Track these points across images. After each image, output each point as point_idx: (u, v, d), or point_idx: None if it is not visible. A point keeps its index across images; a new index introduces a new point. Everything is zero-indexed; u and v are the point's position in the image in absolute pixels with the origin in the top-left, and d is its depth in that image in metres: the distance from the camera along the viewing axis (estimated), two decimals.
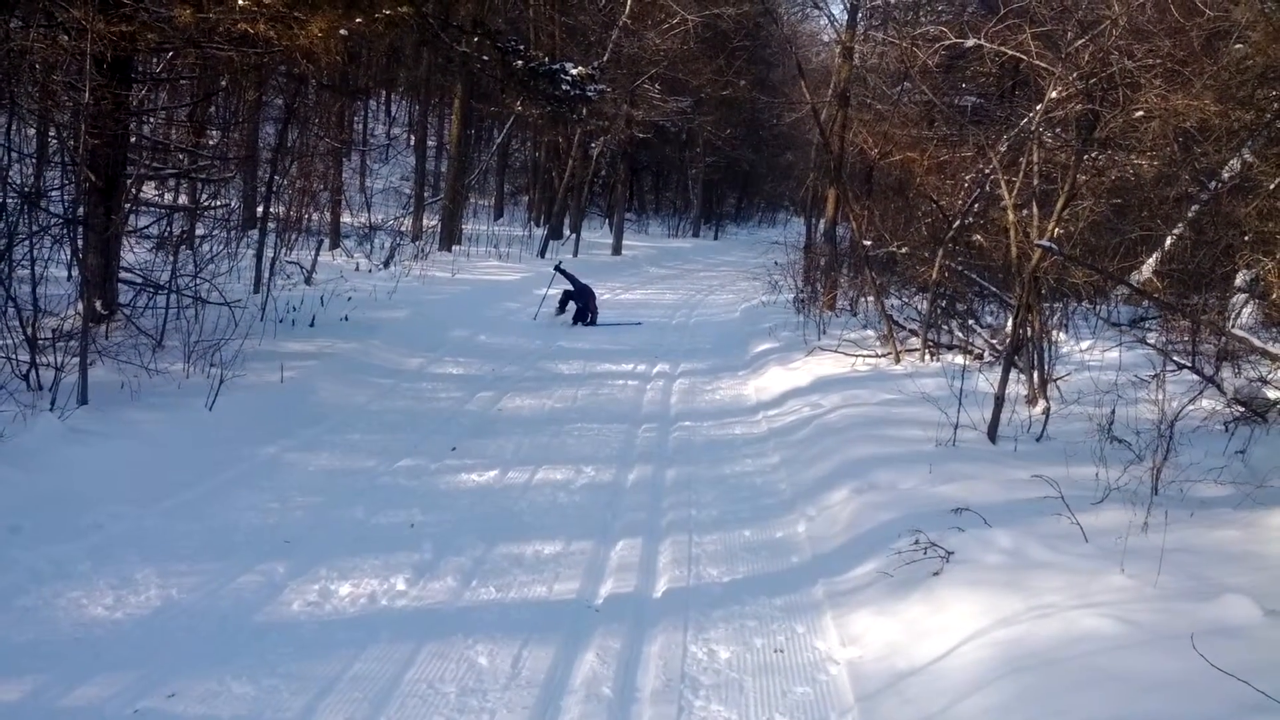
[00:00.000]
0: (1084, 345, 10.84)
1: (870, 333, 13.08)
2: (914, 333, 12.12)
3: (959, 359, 10.71)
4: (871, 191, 20.18)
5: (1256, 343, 8.71)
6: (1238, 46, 11.21)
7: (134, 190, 11.18)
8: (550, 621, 5.02)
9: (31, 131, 12.26)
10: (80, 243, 9.22)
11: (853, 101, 18.60)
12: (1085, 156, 9.08)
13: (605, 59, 24.83)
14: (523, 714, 4.12)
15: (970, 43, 12.43)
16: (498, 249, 24.36)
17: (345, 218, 22.88)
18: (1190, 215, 12.48)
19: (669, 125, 31.66)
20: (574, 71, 16.05)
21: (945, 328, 12.17)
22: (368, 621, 4.91)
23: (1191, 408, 7.29)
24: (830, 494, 6.97)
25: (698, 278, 26.73)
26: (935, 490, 6.46)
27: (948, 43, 13.27)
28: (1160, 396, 6.87)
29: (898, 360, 11.36)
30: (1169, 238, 12.56)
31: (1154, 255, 12.70)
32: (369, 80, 32.78)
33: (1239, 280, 10.94)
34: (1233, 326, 9.69)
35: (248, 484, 6.84)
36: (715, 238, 42.62)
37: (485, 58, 15.78)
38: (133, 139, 10.79)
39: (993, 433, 7.82)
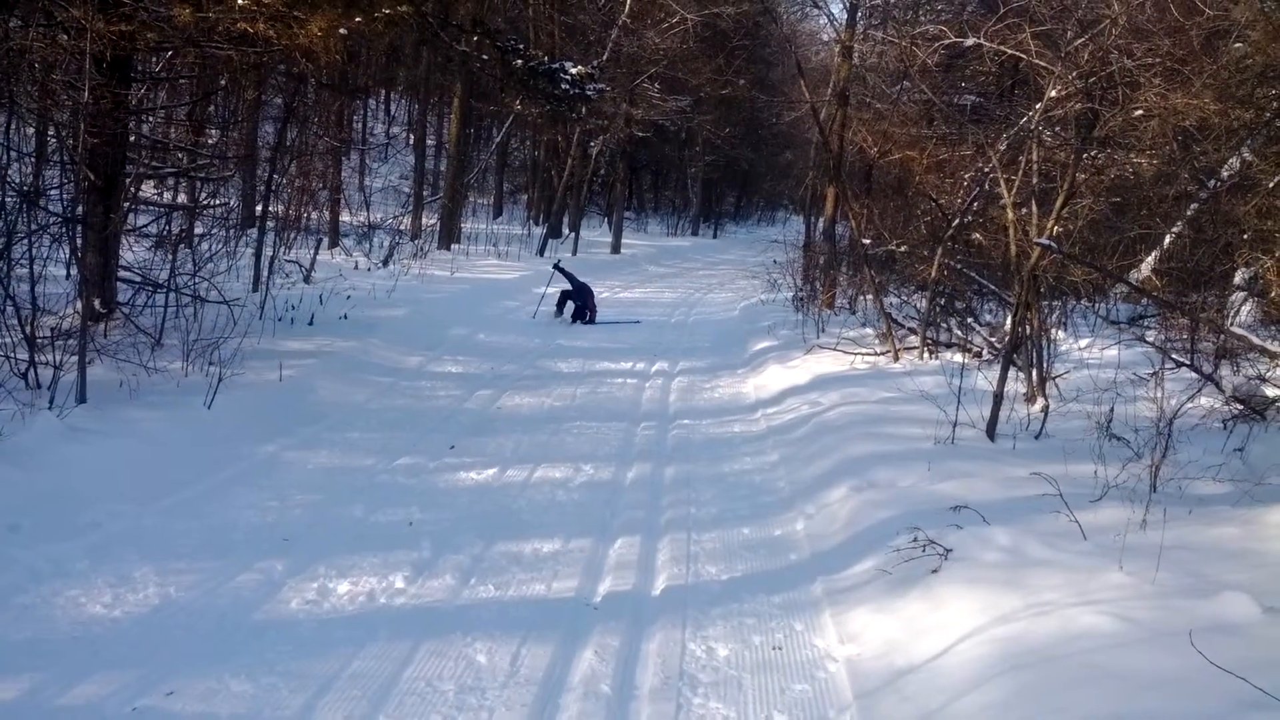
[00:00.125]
0: (1083, 343, 10.85)
1: (869, 331, 13.08)
2: (913, 331, 12.12)
3: (958, 357, 10.71)
4: (871, 190, 20.20)
5: (1255, 340, 8.72)
6: (1237, 45, 11.22)
7: (133, 189, 11.18)
8: (549, 619, 5.02)
9: (30, 130, 12.27)
10: (79, 241, 9.21)
11: (852, 100, 18.59)
12: (1084, 155, 9.08)
13: (605, 58, 24.83)
14: (521, 712, 4.12)
15: (970, 42, 12.43)
16: (497, 247, 24.36)
17: (344, 216, 22.86)
18: (1189, 213, 12.48)
19: (668, 124, 31.64)
20: (573, 70, 16.05)
21: (944, 326, 12.18)
22: (366, 619, 4.91)
23: (1190, 405, 7.30)
24: (829, 492, 6.97)
25: (697, 276, 26.73)
26: (934, 488, 6.46)
27: (947, 42, 13.27)
28: (1159, 394, 6.88)
29: (896, 358, 11.36)
30: (1168, 236, 12.56)
31: (1153, 253, 12.70)
32: (368, 79, 32.76)
33: (1238, 278, 10.95)
34: (1231, 324, 9.69)
35: (246, 482, 6.84)
36: (714, 236, 42.63)
37: (485, 57, 15.79)
38: (132, 138, 10.79)
39: (991, 431, 7.82)
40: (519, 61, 15.47)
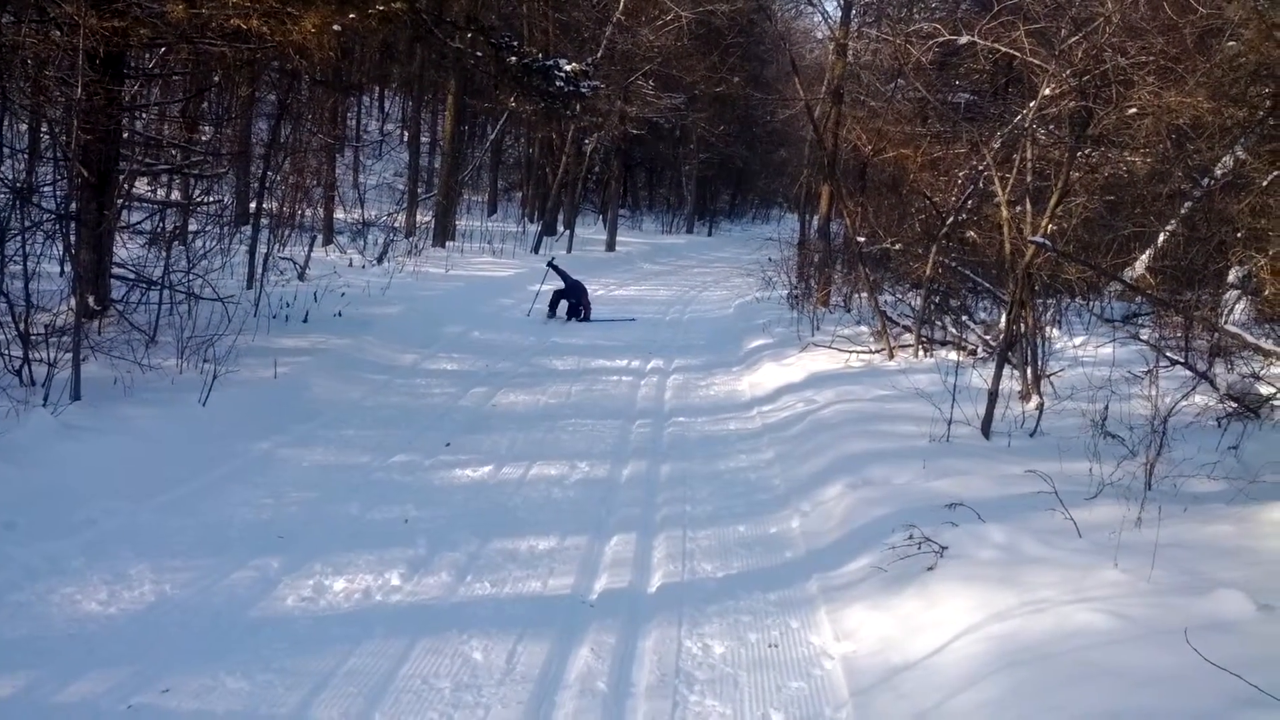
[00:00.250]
0: (1077, 341, 10.86)
1: (864, 329, 13.09)
2: (908, 329, 12.13)
3: (953, 355, 10.72)
4: (865, 188, 20.19)
5: (1249, 338, 8.74)
6: (1230, 44, 11.24)
7: (127, 186, 11.14)
8: (545, 617, 5.02)
9: (24, 127, 12.23)
10: (73, 238, 9.18)
11: (846, 98, 18.57)
12: (1079, 153, 9.09)
13: (599, 55, 24.82)
14: (517, 709, 4.12)
15: (964, 39, 12.43)
16: (491, 245, 24.33)
17: (339, 213, 22.83)
18: (1183, 212, 12.51)
19: (663, 121, 31.61)
20: (568, 68, 16.03)
21: (939, 324, 12.19)
22: (362, 617, 4.90)
23: (1185, 403, 7.31)
24: (824, 489, 6.97)
25: (691, 274, 26.74)
26: (929, 485, 6.47)
27: (941, 40, 13.27)
28: (1153, 392, 6.89)
29: (891, 356, 11.37)
30: (1162, 234, 12.59)
31: (1147, 251, 12.73)
32: (362, 76, 32.73)
33: (1231, 276, 10.97)
34: (1225, 322, 9.71)
35: (241, 480, 6.83)
36: (709, 234, 42.61)
37: (479, 54, 15.75)
38: (125, 134, 10.76)
39: (986, 428, 7.83)
40: (513, 58, 15.45)
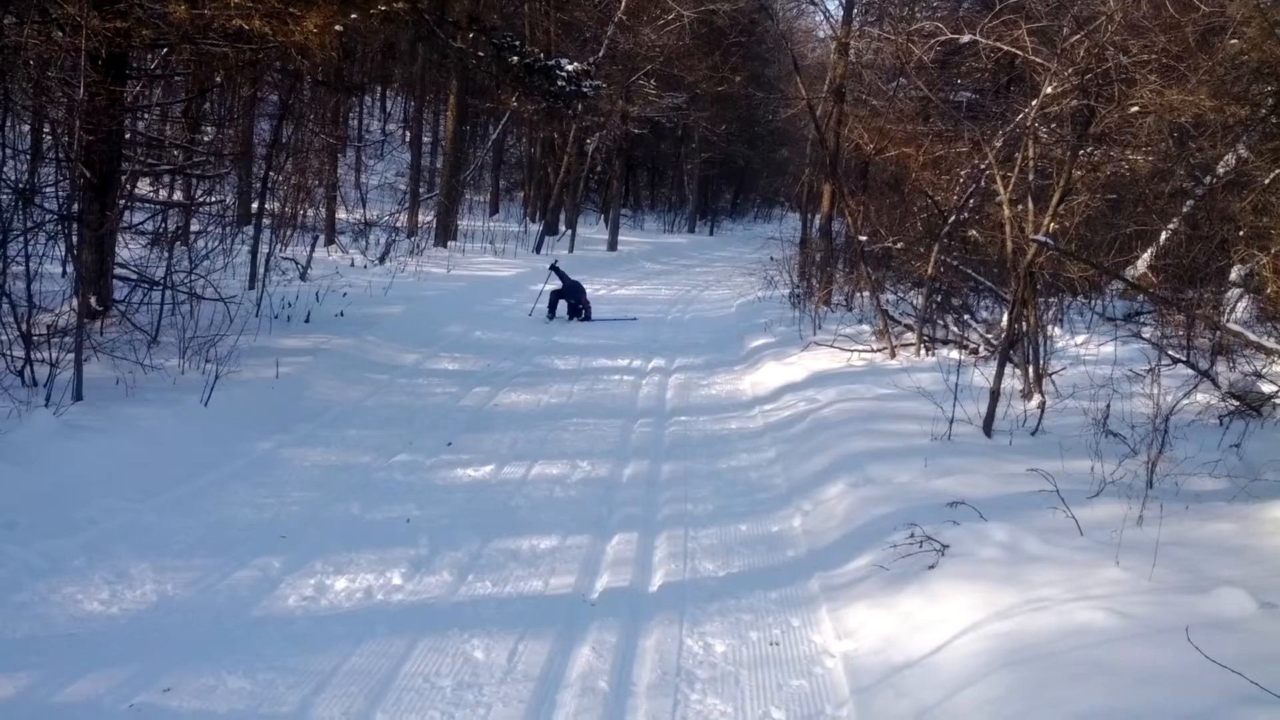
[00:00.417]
0: (1079, 339, 10.86)
1: (866, 328, 13.09)
2: (909, 328, 12.13)
3: (954, 354, 10.72)
4: (867, 187, 20.17)
5: (1251, 337, 8.74)
6: (1233, 42, 11.23)
7: (129, 186, 11.16)
8: (546, 616, 5.02)
9: (26, 128, 12.23)
10: (75, 239, 9.19)
11: (848, 97, 18.58)
12: (1080, 152, 9.08)
13: (601, 55, 24.82)
14: (519, 708, 4.12)
15: (966, 38, 12.43)
16: (493, 245, 24.34)
17: (340, 214, 22.86)
18: (1185, 210, 12.50)
19: (664, 121, 31.62)
20: (569, 67, 16.06)
21: (941, 322, 12.19)
22: (364, 616, 4.91)
23: (1186, 402, 7.30)
24: (826, 488, 6.97)
25: (693, 273, 26.73)
26: (931, 484, 6.47)
27: (943, 38, 13.27)
28: (1155, 391, 6.88)
29: (893, 355, 11.37)
30: (1164, 232, 12.58)
31: (1149, 250, 12.72)
32: (364, 76, 32.75)
33: (1234, 275, 10.97)
34: (1227, 321, 9.71)
35: (243, 479, 6.83)
36: (711, 233, 42.61)
37: (481, 54, 15.78)
38: (127, 135, 10.78)
39: (988, 427, 7.83)
40: (515, 58, 15.48)
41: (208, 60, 11.33)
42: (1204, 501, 5.84)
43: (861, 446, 7.61)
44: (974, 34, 11.93)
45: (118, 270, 10.06)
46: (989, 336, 11.27)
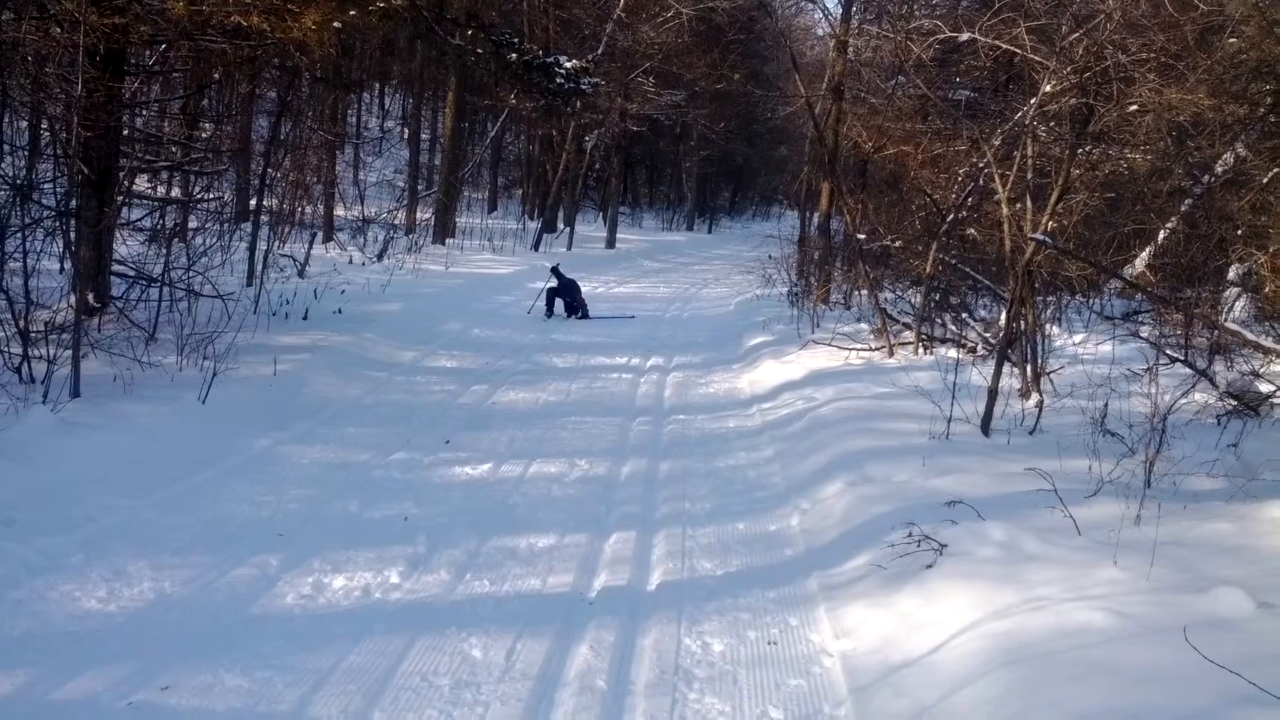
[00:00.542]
0: (1077, 338, 10.87)
1: (864, 326, 13.09)
2: (908, 326, 12.13)
3: (952, 352, 10.72)
4: (866, 185, 20.17)
5: (1249, 336, 8.74)
6: (1231, 41, 11.23)
7: (127, 183, 11.14)
8: (544, 614, 5.02)
9: (24, 124, 12.23)
10: (73, 235, 9.18)
11: (847, 95, 18.57)
12: (1079, 150, 9.08)
13: (600, 52, 24.81)
14: (517, 706, 4.12)
15: (964, 37, 12.42)
16: (491, 242, 24.33)
17: (339, 211, 22.84)
18: (1183, 209, 12.50)
19: (663, 119, 31.60)
20: (568, 65, 16.04)
21: (939, 321, 12.19)
22: (362, 614, 4.90)
23: (1184, 401, 7.30)
24: (824, 487, 6.97)
25: (691, 271, 26.73)
26: (929, 483, 6.47)
27: (942, 36, 13.26)
28: (1153, 390, 6.88)
29: (891, 354, 11.37)
30: (1162, 231, 12.58)
31: (1147, 249, 12.73)
32: (363, 73, 32.72)
33: (1232, 274, 10.98)
34: (1225, 320, 9.72)
35: (241, 477, 6.83)
36: (709, 231, 42.59)
37: (479, 51, 15.76)
38: (125, 132, 10.76)
39: (986, 426, 7.83)
40: (514, 55, 15.46)
41: (206, 57, 11.32)
42: (1202, 501, 5.84)
43: (859, 445, 7.61)
44: (973, 32, 11.93)
45: (116, 267, 10.05)
46: (987, 335, 11.27)
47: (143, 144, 12.11)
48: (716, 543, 6.19)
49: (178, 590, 5.01)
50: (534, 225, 28.26)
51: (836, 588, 5.40)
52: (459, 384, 10.39)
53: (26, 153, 10.45)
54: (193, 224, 12.70)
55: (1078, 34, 9.36)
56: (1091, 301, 12.99)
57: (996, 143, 11.05)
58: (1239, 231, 10.57)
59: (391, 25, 14.86)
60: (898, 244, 14.17)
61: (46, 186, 9.41)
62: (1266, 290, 9.72)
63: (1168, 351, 9.01)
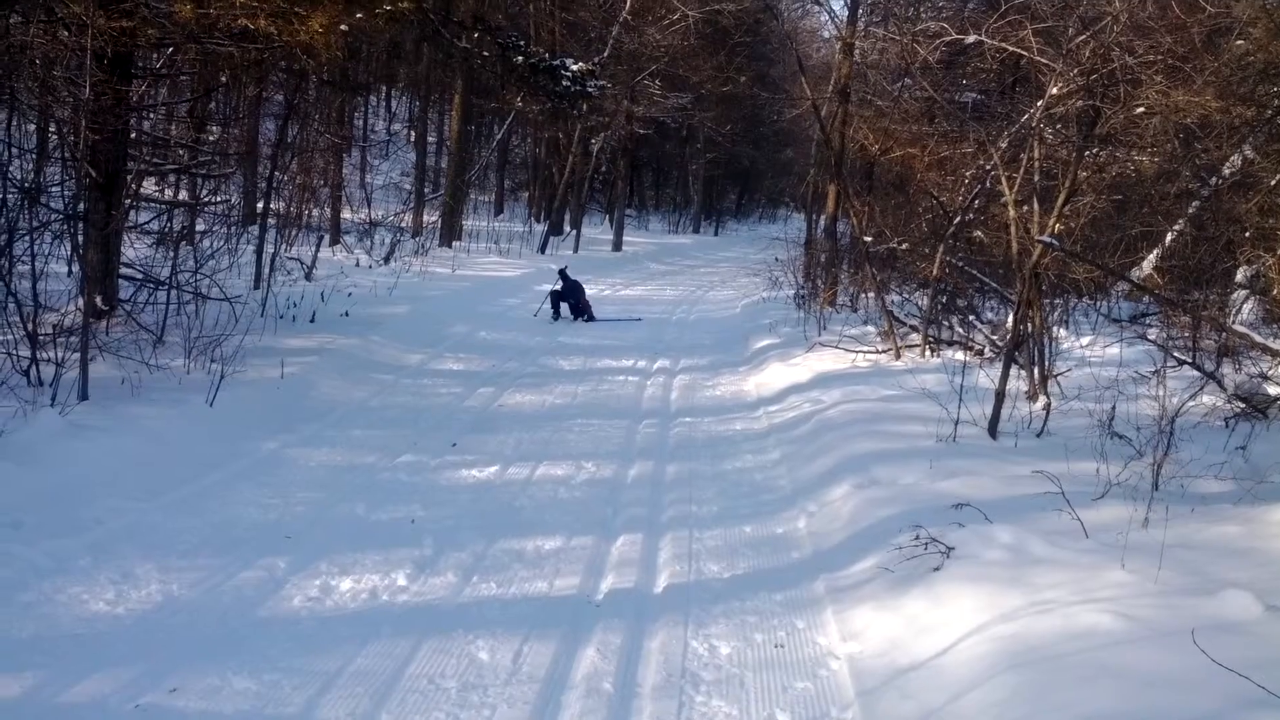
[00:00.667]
0: (1084, 341, 10.84)
1: (871, 329, 13.08)
2: (914, 328, 12.12)
3: (960, 355, 10.70)
4: (872, 187, 20.16)
5: (1257, 339, 8.72)
6: (1239, 43, 11.21)
7: (134, 186, 11.18)
8: (551, 617, 5.02)
9: (32, 127, 12.25)
10: (81, 238, 9.22)
11: (853, 97, 18.58)
12: (1086, 152, 9.07)
13: (606, 55, 24.81)
14: (524, 709, 4.12)
15: (971, 39, 12.42)
16: (498, 245, 24.35)
17: (345, 214, 22.87)
18: (1191, 211, 12.47)
19: (669, 121, 31.62)
20: (574, 67, 16.05)
21: (946, 323, 12.17)
22: (369, 617, 4.91)
23: (1192, 403, 7.29)
24: (831, 490, 6.97)
25: (698, 274, 26.72)
26: (936, 486, 6.46)
27: (949, 39, 13.26)
28: (1161, 392, 6.88)
29: (898, 356, 11.36)
30: (1170, 234, 12.55)
31: (1155, 251, 12.70)
32: (369, 76, 32.78)
33: (1240, 276, 10.94)
34: (1233, 322, 9.69)
35: (249, 479, 6.84)
36: (715, 234, 42.59)
37: (486, 53, 15.79)
38: (133, 134, 10.80)
39: (993, 428, 7.82)
40: (520, 58, 15.48)
41: (213, 60, 11.35)
42: (1209, 504, 5.82)
43: (866, 448, 7.60)
44: (979, 34, 11.92)
45: (123, 270, 10.08)
46: (994, 338, 11.25)
47: (150, 147, 12.16)
48: (723, 545, 6.18)
49: (185, 593, 5.02)
50: (540, 228, 28.28)
51: (843, 590, 5.39)
52: (466, 386, 10.40)
53: (35, 156, 10.47)
54: (200, 227, 12.72)
55: (1084, 36, 9.35)
56: (1099, 304, 12.96)
57: (1003, 145, 11.05)
58: (1247, 234, 10.54)
59: (398, 28, 14.88)
60: (904, 246, 14.16)
61: (55, 190, 9.46)
62: (1275, 292, 9.69)
63: (1175, 354, 8.99)
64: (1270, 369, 8.29)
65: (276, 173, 15.31)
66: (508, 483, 7.24)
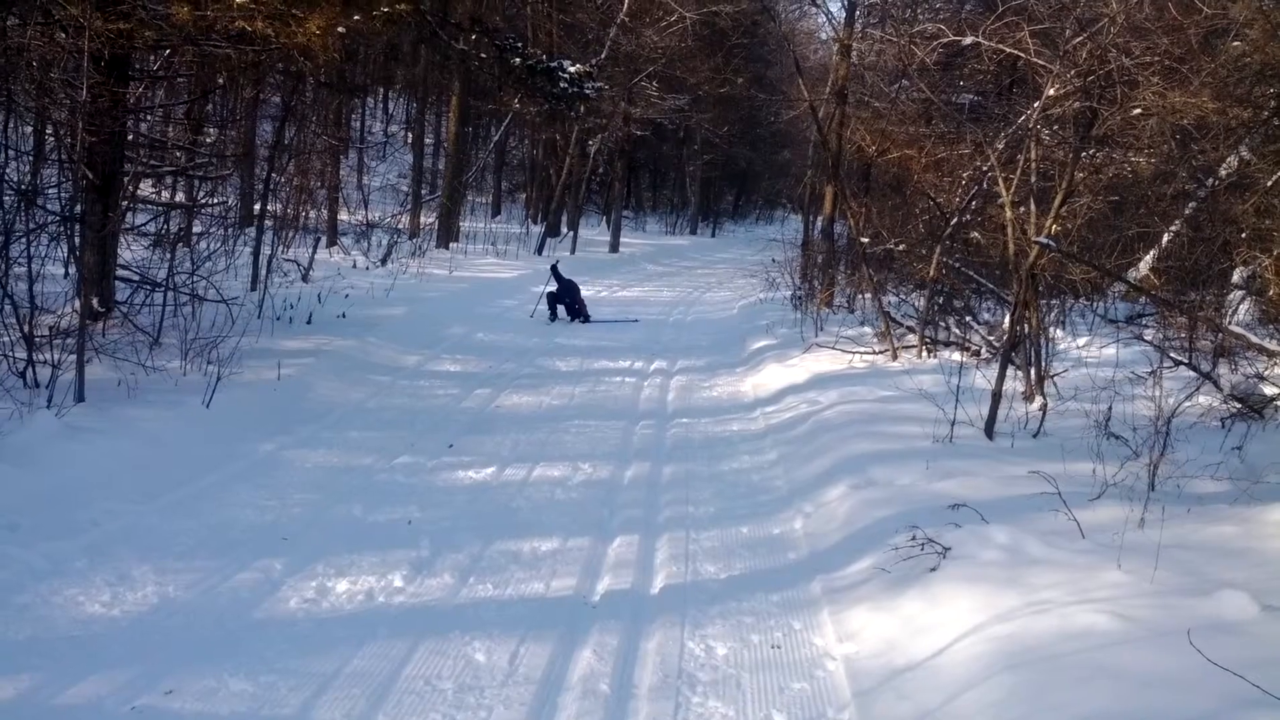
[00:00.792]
0: (1081, 342, 10.86)
1: (868, 330, 13.09)
2: (911, 329, 12.13)
3: (956, 356, 10.72)
4: (869, 189, 20.18)
5: (1253, 339, 8.74)
6: (1235, 44, 11.22)
7: (131, 188, 11.17)
8: (547, 618, 5.02)
9: (29, 129, 12.26)
10: (77, 240, 9.21)
11: (850, 99, 18.58)
12: (1083, 154, 9.08)
13: (603, 56, 24.82)
14: (520, 710, 4.12)
15: (968, 40, 12.42)
16: (495, 246, 24.35)
17: (342, 215, 22.87)
18: (1187, 212, 12.48)
19: (666, 123, 31.62)
20: (572, 69, 16.07)
21: (943, 324, 12.18)
22: (365, 618, 4.91)
23: (1188, 404, 7.31)
24: (827, 490, 6.97)
25: (695, 275, 26.72)
26: (932, 486, 6.47)
27: (946, 40, 13.26)
28: (1157, 393, 6.88)
29: (895, 357, 11.37)
30: (1166, 235, 12.56)
31: (1151, 252, 12.71)
32: (367, 78, 32.75)
33: (1236, 277, 10.96)
34: (1229, 323, 9.70)
35: (245, 481, 6.83)
36: (713, 235, 42.58)
37: (483, 55, 15.81)
38: (130, 136, 10.78)
39: (990, 429, 7.83)
40: (517, 60, 15.50)
41: (210, 62, 11.35)
42: (1206, 504, 5.83)
43: (863, 449, 7.61)
44: (976, 36, 11.92)
45: (120, 272, 10.07)
46: (991, 338, 11.26)
47: (147, 149, 12.14)
48: (720, 546, 6.18)
49: (181, 595, 5.01)
50: (538, 229, 28.28)
51: (840, 591, 5.40)
52: (462, 388, 10.39)
53: (31, 158, 10.45)
54: (197, 229, 12.71)
55: (1081, 38, 9.36)
56: (1095, 305, 12.98)
57: (1000, 146, 11.05)
58: (1243, 235, 10.55)
59: (395, 30, 14.88)
60: (901, 247, 14.16)
61: (51, 191, 9.43)
62: (1271, 293, 9.71)
63: (1172, 354, 9.00)
64: (1266, 369, 8.30)
65: (273, 174, 15.31)
66: (505, 484, 7.24)
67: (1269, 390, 7.82)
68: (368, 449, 7.86)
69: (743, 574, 5.77)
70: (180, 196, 15.57)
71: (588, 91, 16.66)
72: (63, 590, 4.91)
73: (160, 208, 12.72)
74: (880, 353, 11.63)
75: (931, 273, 11.66)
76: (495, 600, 5.23)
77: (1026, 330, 8.78)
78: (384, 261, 18.94)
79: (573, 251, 26.09)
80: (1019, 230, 8.92)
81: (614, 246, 29.26)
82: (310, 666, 4.38)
